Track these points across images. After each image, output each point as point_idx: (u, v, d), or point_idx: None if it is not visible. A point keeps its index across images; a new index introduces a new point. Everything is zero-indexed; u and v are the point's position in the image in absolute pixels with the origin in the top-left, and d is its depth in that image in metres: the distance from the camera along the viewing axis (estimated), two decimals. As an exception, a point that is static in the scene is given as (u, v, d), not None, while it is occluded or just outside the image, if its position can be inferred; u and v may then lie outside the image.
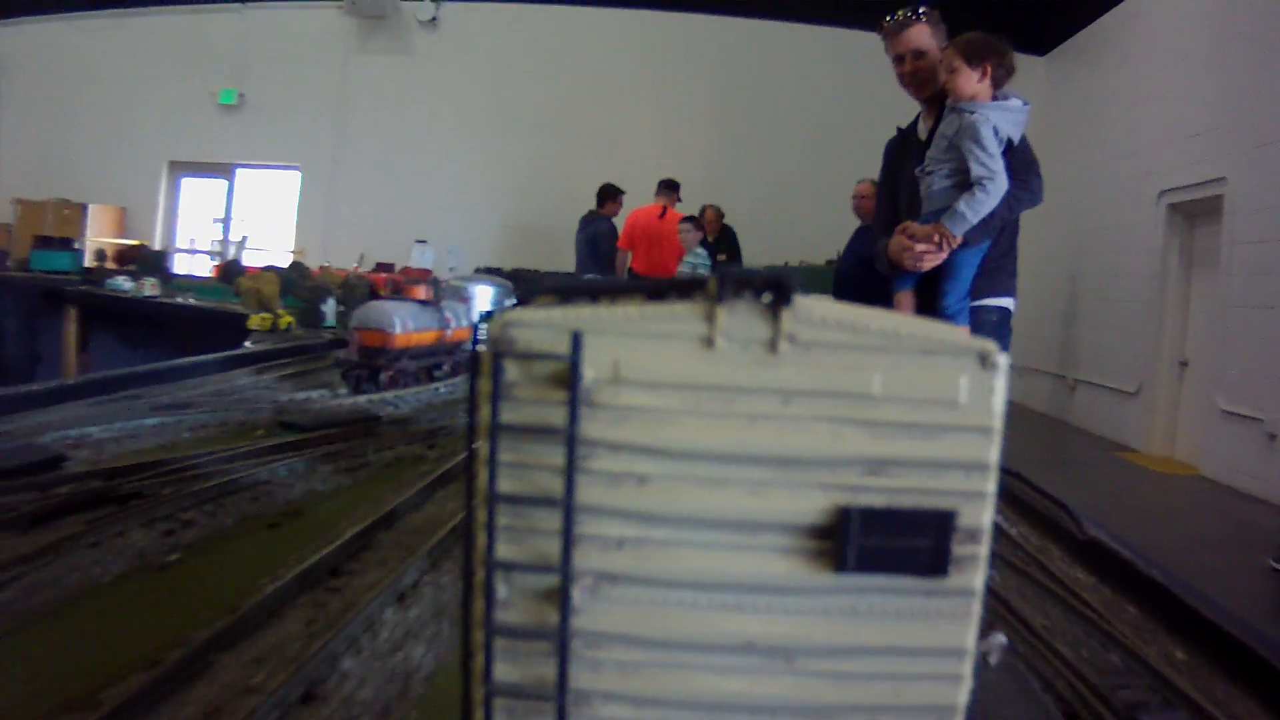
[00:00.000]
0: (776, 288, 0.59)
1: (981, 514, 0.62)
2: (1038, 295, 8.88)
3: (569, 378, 0.60)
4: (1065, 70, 10.03)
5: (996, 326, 2.89)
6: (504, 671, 0.63)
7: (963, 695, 0.63)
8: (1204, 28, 6.63)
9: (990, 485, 0.62)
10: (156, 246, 13.11)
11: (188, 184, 13.88)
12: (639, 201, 8.90)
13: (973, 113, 2.68)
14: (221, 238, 12.87)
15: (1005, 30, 2.89)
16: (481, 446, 0.62)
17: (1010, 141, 2.72)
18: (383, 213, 12.79)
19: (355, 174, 12.98)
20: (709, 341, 0.60)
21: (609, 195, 9.01)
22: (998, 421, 0.61)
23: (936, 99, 2.87)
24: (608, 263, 8.28)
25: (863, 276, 3.16)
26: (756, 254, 9.83)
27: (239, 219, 13.54)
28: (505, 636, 0.62)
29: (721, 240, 10.23)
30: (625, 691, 0.62)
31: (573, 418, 0.60)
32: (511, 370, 0.61)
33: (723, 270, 0.59)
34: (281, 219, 13.33)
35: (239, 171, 13.66)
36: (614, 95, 12.19)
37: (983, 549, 0.62)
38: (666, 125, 12.24)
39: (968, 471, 0.61)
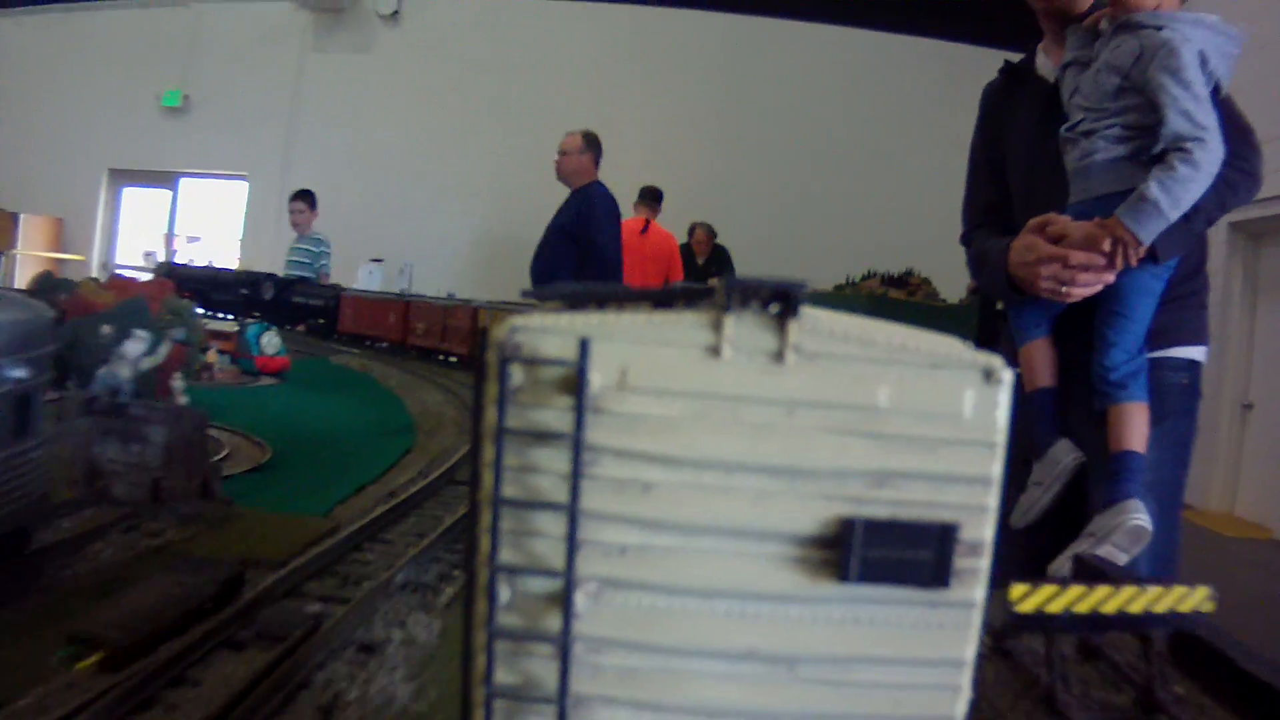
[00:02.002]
0: (784, 298, 0.59)
1: (983, 527, 0.62)
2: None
3: (575, 384, 0.60)
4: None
5: (1185, 392, 1.98)
6: (505, 674, 0.63)
7: (961, 706, 0.64)
8: (1269, 18, 6.18)
9: (993, 499, 0.62)
10: (94, 261, 12.09)
11: (129, 194, 12.66)
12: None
13: (1161, 27, 1.67)
14: (160, 254, 11.79)
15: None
16: (485, 450, 0.62)
17: (1218, 85, 1.72)
18: (339, 227, 11.75)
19: (308, 184, 12.62)
20: (716, 350, 0.60)
21: None
22: (1001, 436, 0.61)
23: (1064, 17, 1.94)
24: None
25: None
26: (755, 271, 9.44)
27: (183, 233, 12.32)
28: (507, 639, 0.62)
29: (713, 261, 9.40)
30: (625, 696, 0.63)
31: (579, 423, 0.60)
32: (517, 375, 0.61)
33: (731, 279, 0.59)
34: (230, 234, 12.15)
35: (183, 181, 12.40)
36: (596, 97, 11.21)
37: (984, 562, 0.62)
38: (654, 129, 11.26)
39: (970, 485, 0.62)
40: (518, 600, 0.63)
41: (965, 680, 0.63)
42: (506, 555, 0.62)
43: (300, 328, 6.22)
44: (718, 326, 0.60)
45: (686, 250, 8.84)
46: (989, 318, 7.63)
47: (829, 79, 11.17)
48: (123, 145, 12.34)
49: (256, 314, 6.00)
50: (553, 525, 0.62)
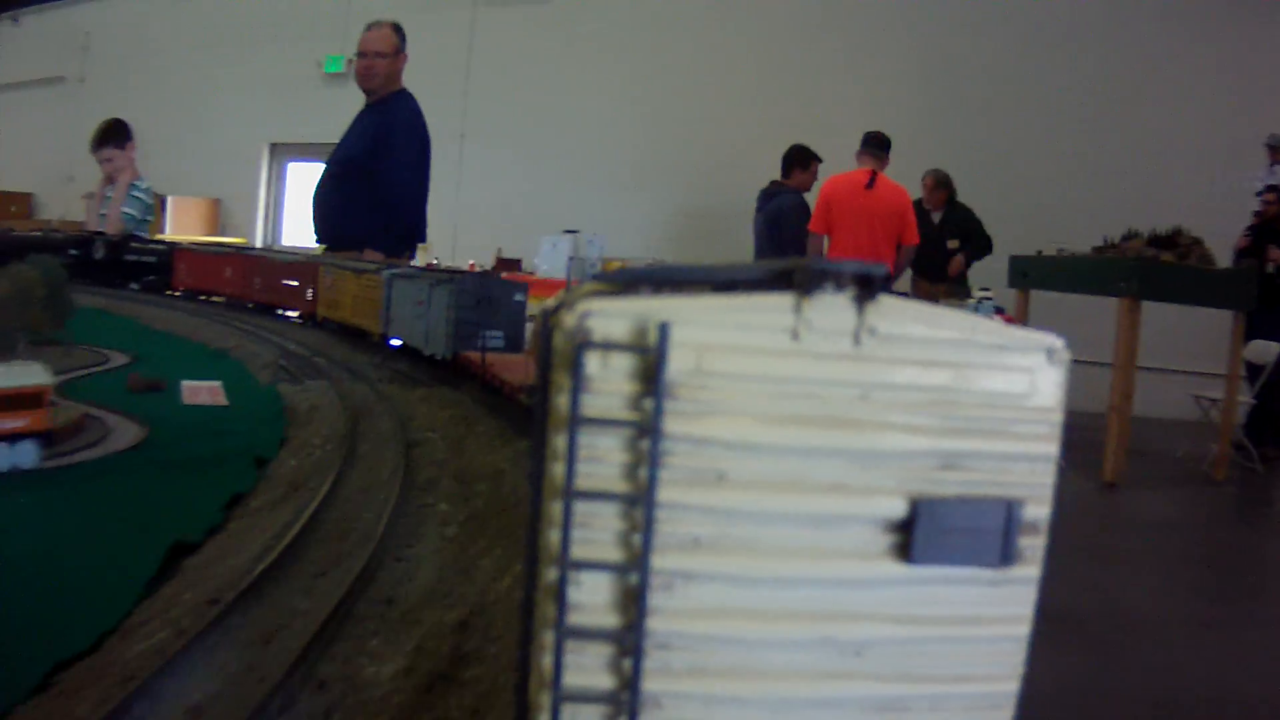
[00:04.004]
0: (864, 281, 0.58)
1: (1044, 505, 0.63)
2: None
3: (651, 370, 0.58)
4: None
5: None
6: (569, 676, 0.60)
7: (1016, 685, 0.65)
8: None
9: (1052, 477, 0.63)
10: (258, 243, 10.73)
11: (295, 169, 11.27)
12: (840, 168, 6.46)
13: None
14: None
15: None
16: (554, 441, 0.59)
17: None
18: (521, 198, 10.10)
19: (487, 151, 10.25)
20: (794, 334, 0.59)
21: (797, 161, 6.82)
22: (1060, 415, 0.63)
23: None
24: (794, 248, 6.24)
25: None
26: (1000, 239, 7.92)
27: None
28: (576, 639, 0.60)
29: (952, 220, 8.11)
30: (696, 692, 0.61)
31: (657, 411, 0.58)
32: (592, 361, 0.58)
33: (808, 263, 0.58)
34: None
35: None
36: (806, 35, 9.48)
37: (1043, 540, 0.64)
38: (873, 75, 9.41)
39: (1033, 464, 0.63)
40: (585, 598, 0.60)
41: (1021, 659, 0.65)
42: (577, 550, 0.59)
43: (135, 286, 5.89)
44: (797, 310, 0.59)
45: (919, 207, 7.68)
46: (1269, 283, 7.04)
47: (1075, 10, 9.43)
48: (284, 118, 11.07)
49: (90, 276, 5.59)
50: (622, 519, 0.59)
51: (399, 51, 5.12)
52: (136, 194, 6.98)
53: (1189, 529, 6.17)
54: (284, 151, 11.65)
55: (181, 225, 11.33)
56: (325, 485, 1.86)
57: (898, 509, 0.61)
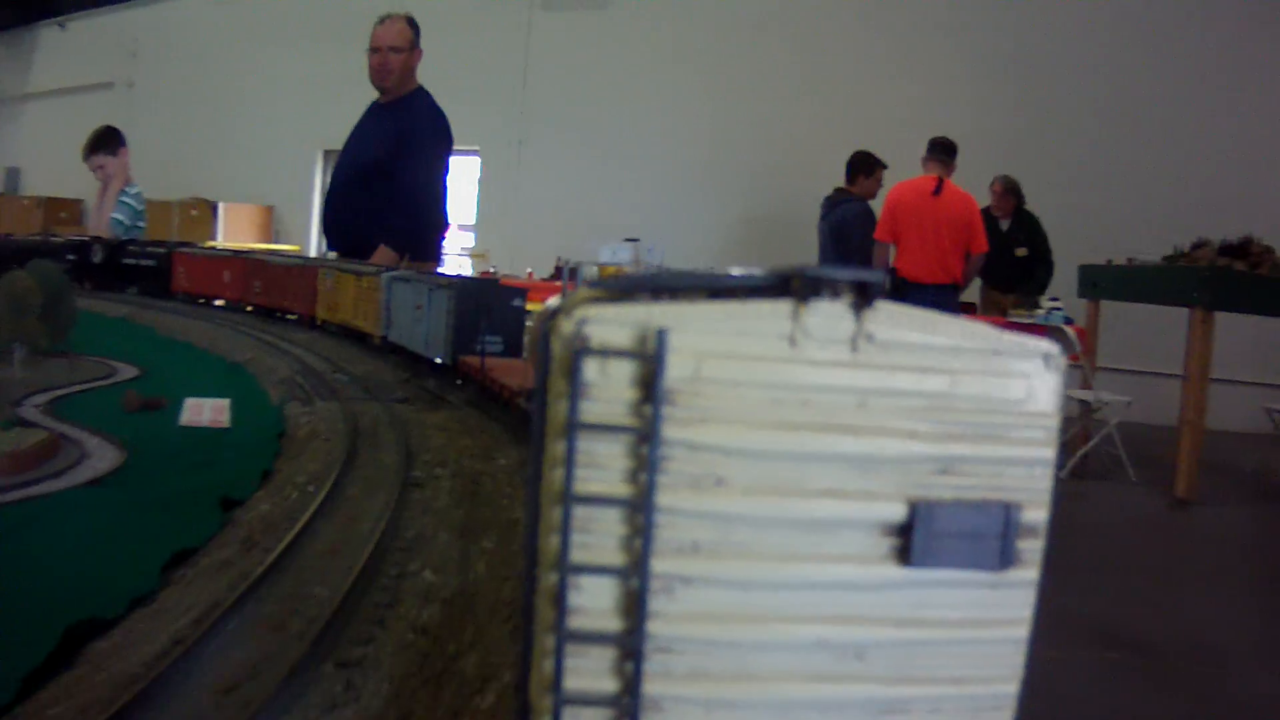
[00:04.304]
0: (861, 287, 0.59)
1: (1042, 509, 0.64)
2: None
3: (649, 376, 0.58)
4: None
5: None
6: (570, 679, 0.61)
7: (1015, 687, 0.65)
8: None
9: (1050, 481, 0.64)
10: (312, 251, 10.50)
11: None
12: (903, 174, 6.22)
13: None
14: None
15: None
16: (552, 447, 0.60)
17: None
18: (580, 206, 9.87)
19: (545, 158, 9.95)
20: (792, 341, 0.59)
21: (861, 167, 6.66)
22: (1058, 420, 0.63)
23: None
24: (860, 257, 6.11)
25: None
26: (1068, 248, 7.67)
27: None
28: (576, 643, 0.60)
29: (1019, 228, 7.90)
30: (696, 696, 0.62)
31: (655, 416, 0.58)
32: (590, 368, 0.59)
33: (804, 269, 0.59)
34: (462, 214, 10.29)
35: None
36: (868, 37, 9.16)
37: (1041, 543, 0.64)
38: (937, 73, 9.13)
39: (1030, 468, 0.63)
40: (585, 602, 0.60)
41: (1021, 660, 0.65)
42: (576, 555, 0.60)
43: (133, 289, 5.92)
44: (794, 317, 0.59)
45: (986, 214, 7.45)
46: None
47: (1148, 8, 9.14)
48: (337, 124, 10.80)
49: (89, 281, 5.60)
50: (621, 523, 0.60)
51: (414, 46, 4.80)
52: (125, 199, 6.94)
53: (1266, 547, 5.93)
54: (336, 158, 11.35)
55: (233, 232, 11.21)
56: (280, 545, 1.51)
57: (896, 513, 0.62)
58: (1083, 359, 7.60)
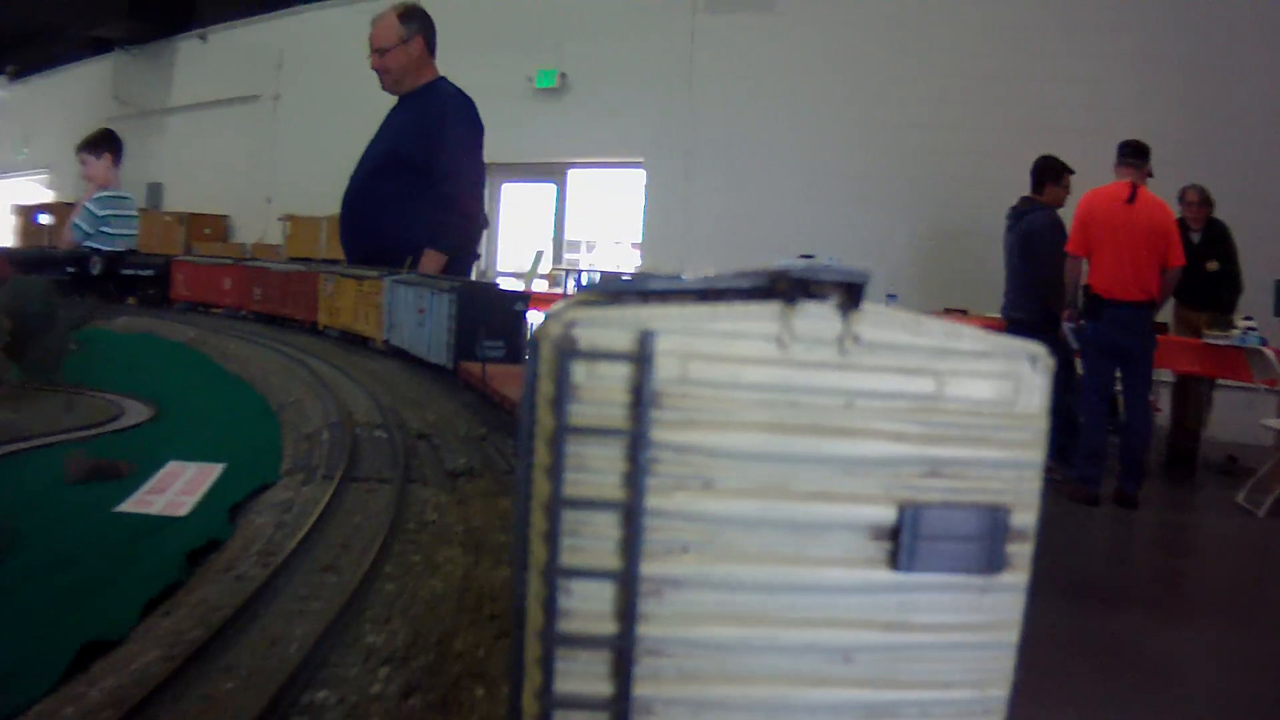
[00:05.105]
0: (848, 289, 0.59)
1: (1030, 511, 0.64)
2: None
3: (637, 378, 0.59)
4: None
5: None
6: (561, 683, 0.61)
7: (1005, 690, 0.65)
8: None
9: (1038, 483, 0.64)
10: (472, 268, 10.27)
11: (510, 190, 10.50)
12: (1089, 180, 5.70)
13: None
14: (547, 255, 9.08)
15: None
16: (539, 451, 0.60)
17: None
18: (750, 218, 9.24)
19: (713, 170, 9.21)
20: (779, 343, 0.60)
21: (1048, 174, 6.23)
22: (1045, 421, 0.63)
23: None
24: (1050, 270, 5.78)
25: None
26: (1260, 260, 7.08)
27: (572, 232, 9.99)
28: (567, 647, 0.60)
29: (1211, 240, 7.33)
30: (685, 697, 0.61)
31: (642, 419, 0.58)
32: (577, 371, 0.59)
33: (791, 271, 0.59)
34: (626, 231, 9.80)
35: (570, 172, 10.06)
36: (1048, 36, 8.41)
37: (1030, 546, 0.64)
38: (1121, 74, 8.41)
39: (1018, 470, 0.63)
40: (574, 606, 0.60)
41: (1010, 664, 0.65)
42: (565, 559, 0.60)
43: (132, 300, 5.92)
44: (781, 319, 0.60)
45: (1180, 225, 6.86)
46: None
47: None
48: (492, 136, 10.55)
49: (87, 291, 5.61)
50: (610, 526, 0.60)
51: (409, 38, 4.40)
52: (88, 205, 6.80)
53: None
54: (498, 172, 10.57)
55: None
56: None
57: (884, 516, 0.62)
58: (1280, 384, 6.86)
